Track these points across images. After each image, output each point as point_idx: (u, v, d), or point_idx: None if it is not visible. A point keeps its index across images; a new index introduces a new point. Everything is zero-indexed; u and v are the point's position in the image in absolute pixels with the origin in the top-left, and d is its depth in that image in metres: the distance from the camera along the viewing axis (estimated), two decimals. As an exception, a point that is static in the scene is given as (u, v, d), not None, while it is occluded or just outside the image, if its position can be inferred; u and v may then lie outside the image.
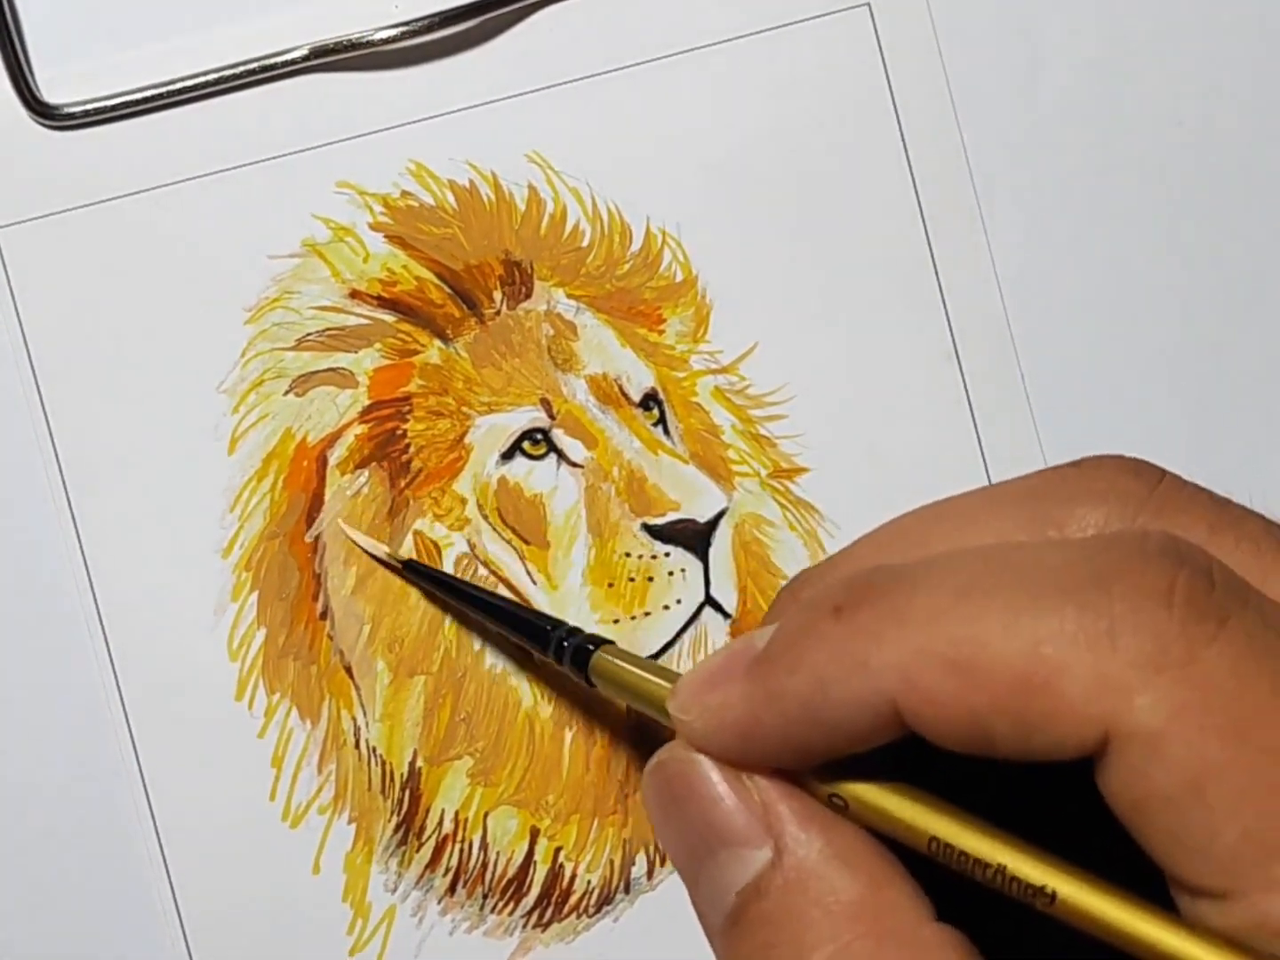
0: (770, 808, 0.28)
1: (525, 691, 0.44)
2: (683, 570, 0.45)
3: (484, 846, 0.44)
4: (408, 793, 0.44)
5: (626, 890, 0.45)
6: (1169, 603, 0.24)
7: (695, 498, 0.45)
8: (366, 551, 0.44)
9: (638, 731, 0.44)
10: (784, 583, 0.35)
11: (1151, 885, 0.25)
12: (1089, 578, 0.25)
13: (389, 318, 0.45)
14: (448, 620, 0.44)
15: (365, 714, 0.44)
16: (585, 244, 0.45)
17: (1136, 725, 0.24)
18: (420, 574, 0.44)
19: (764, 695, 0.27)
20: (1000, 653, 0.25)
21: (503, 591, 0.44)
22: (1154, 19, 0.46)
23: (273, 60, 0.44)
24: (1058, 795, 0.27)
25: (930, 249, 0.45)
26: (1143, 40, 0.46)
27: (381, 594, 0.44)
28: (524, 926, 0.44)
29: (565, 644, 0.37)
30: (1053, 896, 0.25)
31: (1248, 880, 0.23)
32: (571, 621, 0.44)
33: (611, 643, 0.35)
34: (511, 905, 0.44)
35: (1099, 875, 0.25)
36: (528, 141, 0.45)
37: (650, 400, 0.45)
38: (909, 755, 0.27)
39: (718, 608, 0.45)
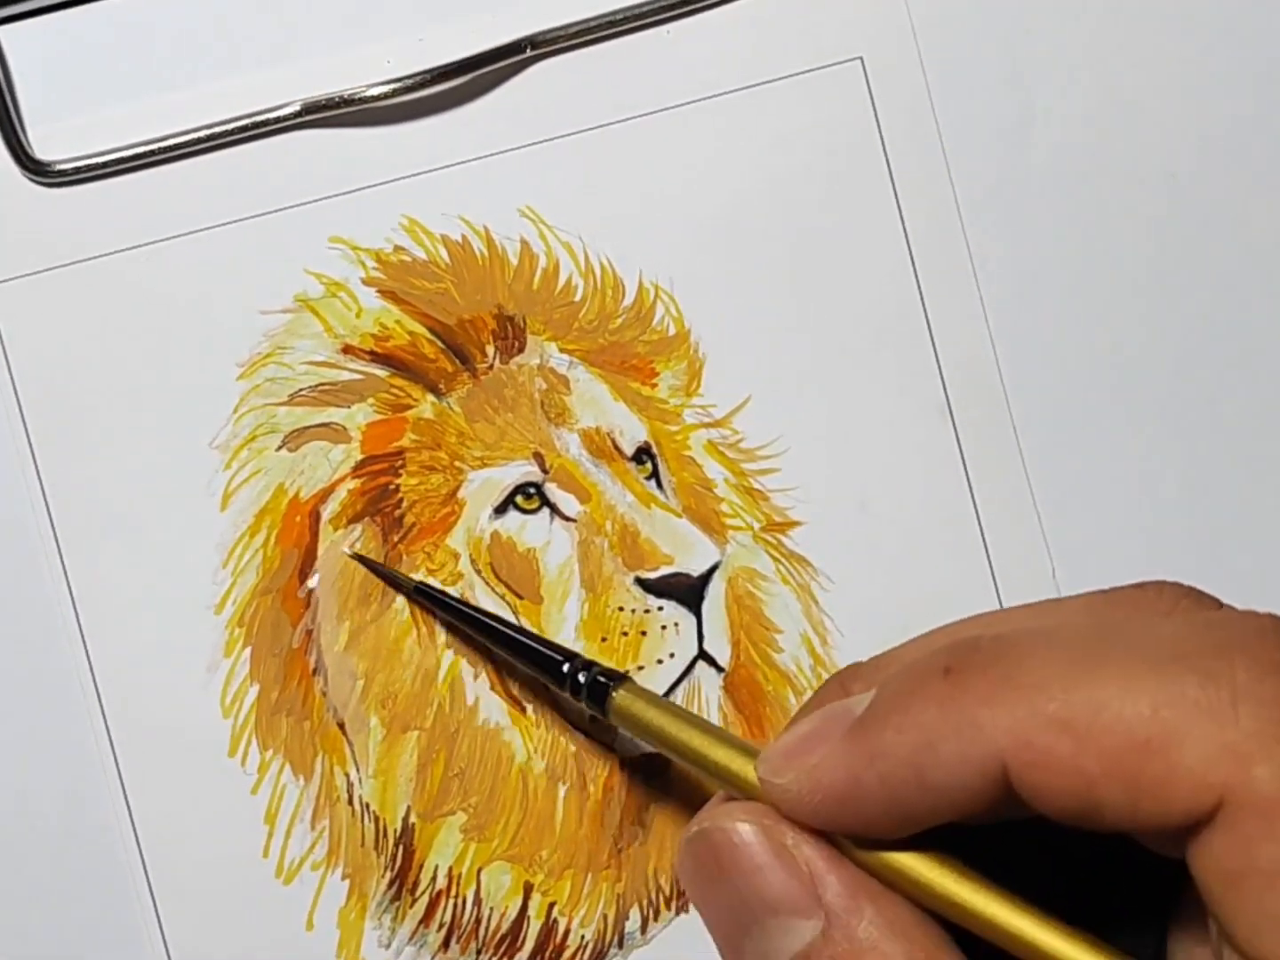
0: (819, 877, 0.27)
1: (518, 747, 0.44)
2: (676, 624, 0.45)
3: (478, 902, 0.44)
4: (401, 848, 0.44)
5: (620, 945, 0.45)
6: None
7: (688, 552, 0.45)
8: (377, 572, 0.44)
9: (631, 787, 0.44)
10: (829, 675, 0.35)
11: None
12: (1210, 648, 0.25)
13: (382, 372, 0.45)
14: (441, 676, 0.44)
15: (358, 770, 0.44)
16: (578, 298, 0.45)
17: (1254, 795, 0.23)
18: (430, 599, 0.43)
19: (867, 756, 0.27)
20: (1118, 716, 0.24)
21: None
22: (1146, 72, 0.46)
23: (265, 116, 0.44)
24: (1083, 876, 0.27)
25: (923, 303, 0.46)
26: (1135, 93, 0.46)
27: (374, 650, 0.44)
28: (518, 983, 0.44)
29: (581, 678, 0.37)
30: None
31: None
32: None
33: (629, 677, 0.35)
34: (505, 961, 0.44)
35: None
36: (520, 196, 0.45)
37: (643, 454, 0.45)
38: (946, 831, 0.27)
39: (711, 662, 0.45)
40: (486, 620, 0.42)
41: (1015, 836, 0.27)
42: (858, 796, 0.27)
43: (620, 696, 0.35)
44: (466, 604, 0.43)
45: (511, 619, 0.44)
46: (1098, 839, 0.26)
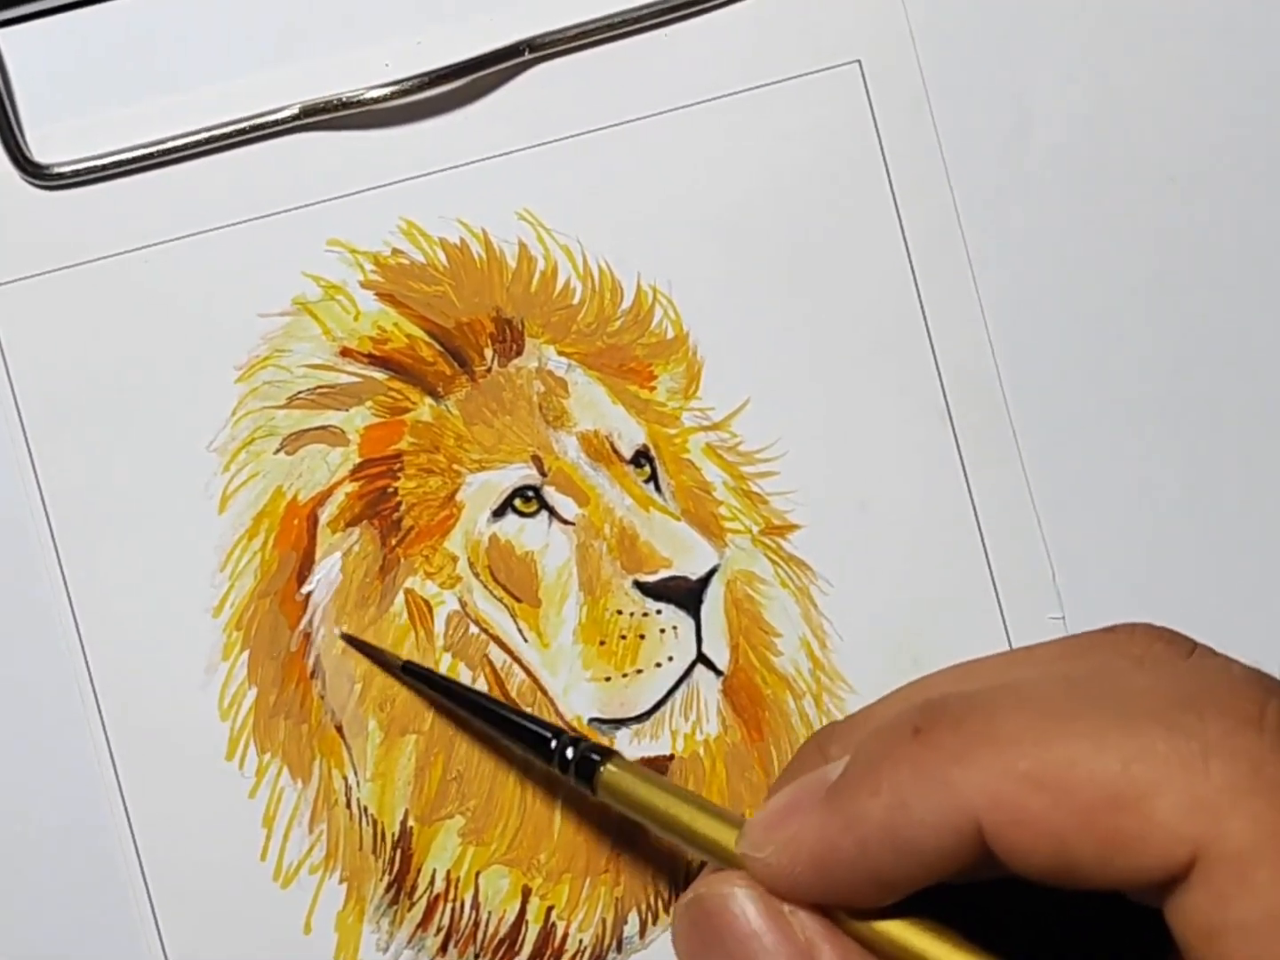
0: (814, 946, 0.27)
1: (517, 751, 0.44)
2: (674, 628, 0.44)
3: (476, 906, 0.44)
4: (399, 852, 0.44)
5: (619, 949, 0.45)
6: (1260, 728, 0.24)
7: (687, 555, 0.45)
8: (366, 654, 0.43)
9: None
10: (804, 741, 0.35)
11: None
12: (1179, 701, 0.25)
13: (380, 375, 0.45)
14: (439, 679, 0.44)
15: (356, 773, 0.44)
16: (576, 301, 0.45)
17: (1227, 849, 0.23)
18: (417, 676, 0.43)
19: (842, 821, 0.27)
20: (1090, 771, 0.24)
21: (494, 651, 0.44)
22: (1144, 75, 0.46)
23: (264, 119, 0.44)
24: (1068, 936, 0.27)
25: (921, 305, 0.45)
26: (1133, 96, 0.46)
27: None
28: (516, 986, 0.44)
29: (569, 754, 0.36)
30: None
31: None
32: (563, 683, 0.44)
33: (617, 753, 0.34)
34: (503, 965, 0.44)
35: None
36: (518, 199, 0.45)
37: (642, 457, 0.45)
38: (938, 897, 0.27)
39: (710, 665, 0.45)
40: (474, 697, 0.42)
41: (1002, 893, 0.27)
42: (836, 864, 0.27)
43: (608, 772, 0.34)
44: (454, 682, 0.43)
45: (510, 623, 0.44)
46: (1083, 894, 0.26)
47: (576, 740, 0.36)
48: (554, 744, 0.37)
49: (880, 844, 0.26)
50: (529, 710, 0.44)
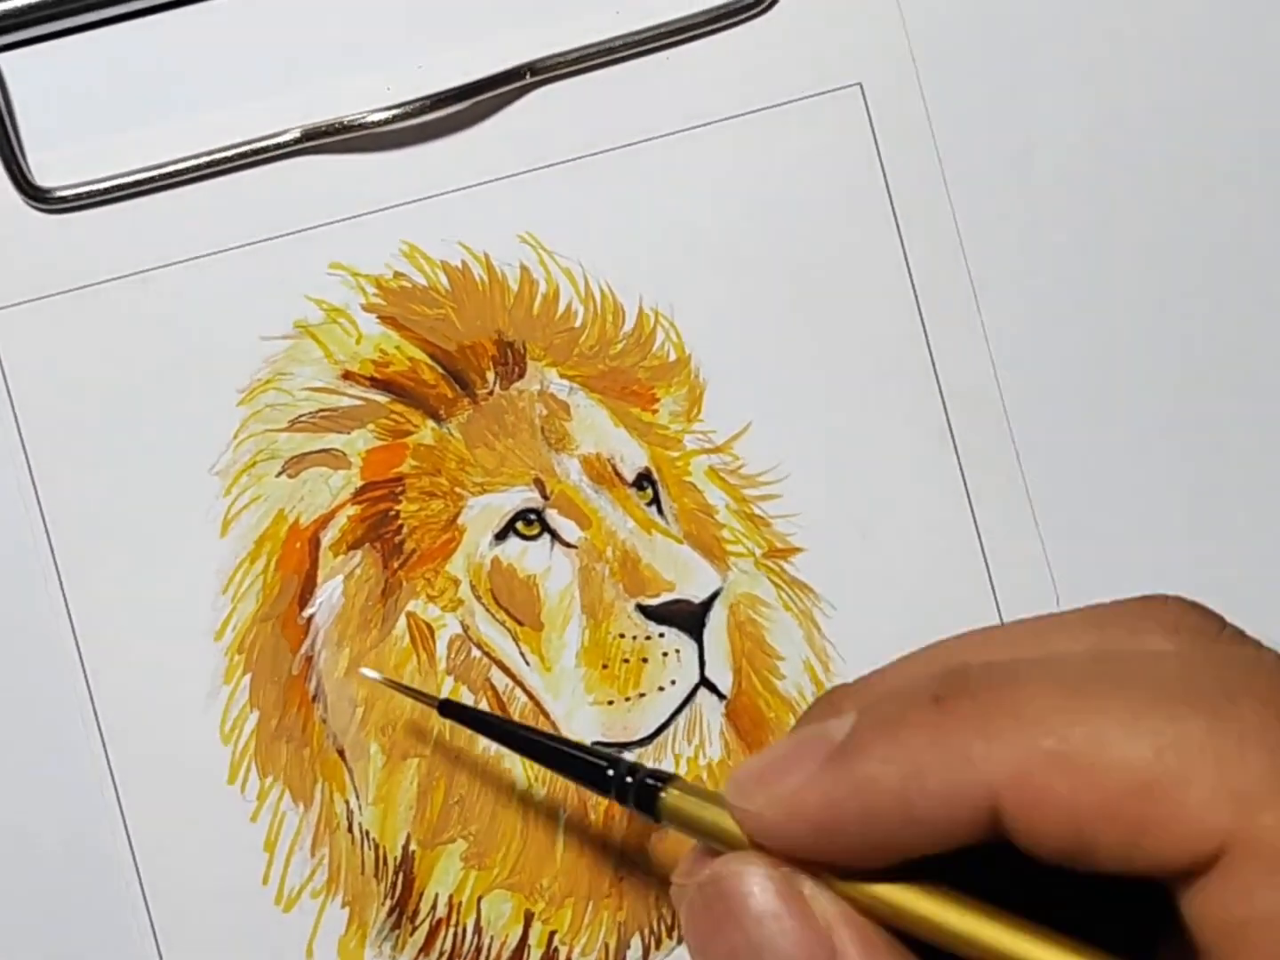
0: (834, 930, 0.26)
1: (519, 774, 0.44)
2: (677, 651, 0.44)
3: (478, 930, 0.44)
4: (401, 876, 0.44)
5: (622, 973, 0.44)
6: None
7: (690, 578, 0.45)
8: (403, 692, 0.42)
9: (633, 814, 0.44)
10: (819, 694, 0.33)
11: None
12: (1216, 687, 0.24)
13: (382, 398, 0.45)
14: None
15: (358, 797, 0.44)
16: (578, 324, 0.45)
17: (1258, 842, 0.23)
18: (456, 715, 0.40)
19: (849, 785, 0.25)
20: (1121, 756, 0.24)
21: (496, 674, 0.44)
22: (1146, 97, 0.46)
23: (265, 142, 0.44)
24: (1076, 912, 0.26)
25: (924, 328, 0.45)
26: (1135, 118, 0.46)
27: (374, 676, 0.44)
28: (518, 1012, 0.44)
29: (629, 782, 0.34)
30: None
31: None
32: (565, 707, 0.44)
33: (678, 777, 0.34)
34: (506, 990, 0.44)
35: None
36: (520, 222, 0.45)
37: (644, 480, 0.45)
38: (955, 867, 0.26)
39: (713, 689, 0.45)
40: (520, 732, 0.39)
41: (988, 861, 0.27)
42: (837, 827, 0.26)
43: (670, 796, 0.33)
44: (497, 717, 0.42)
45: (512, 646, 0.44)
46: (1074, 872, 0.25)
47: (635, 768, 0.35)
48: (611, 774, 0.35)
49: (889, 812, 0.25)
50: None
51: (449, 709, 0.40)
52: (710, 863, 0.28)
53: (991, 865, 0.26)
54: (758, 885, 0.27)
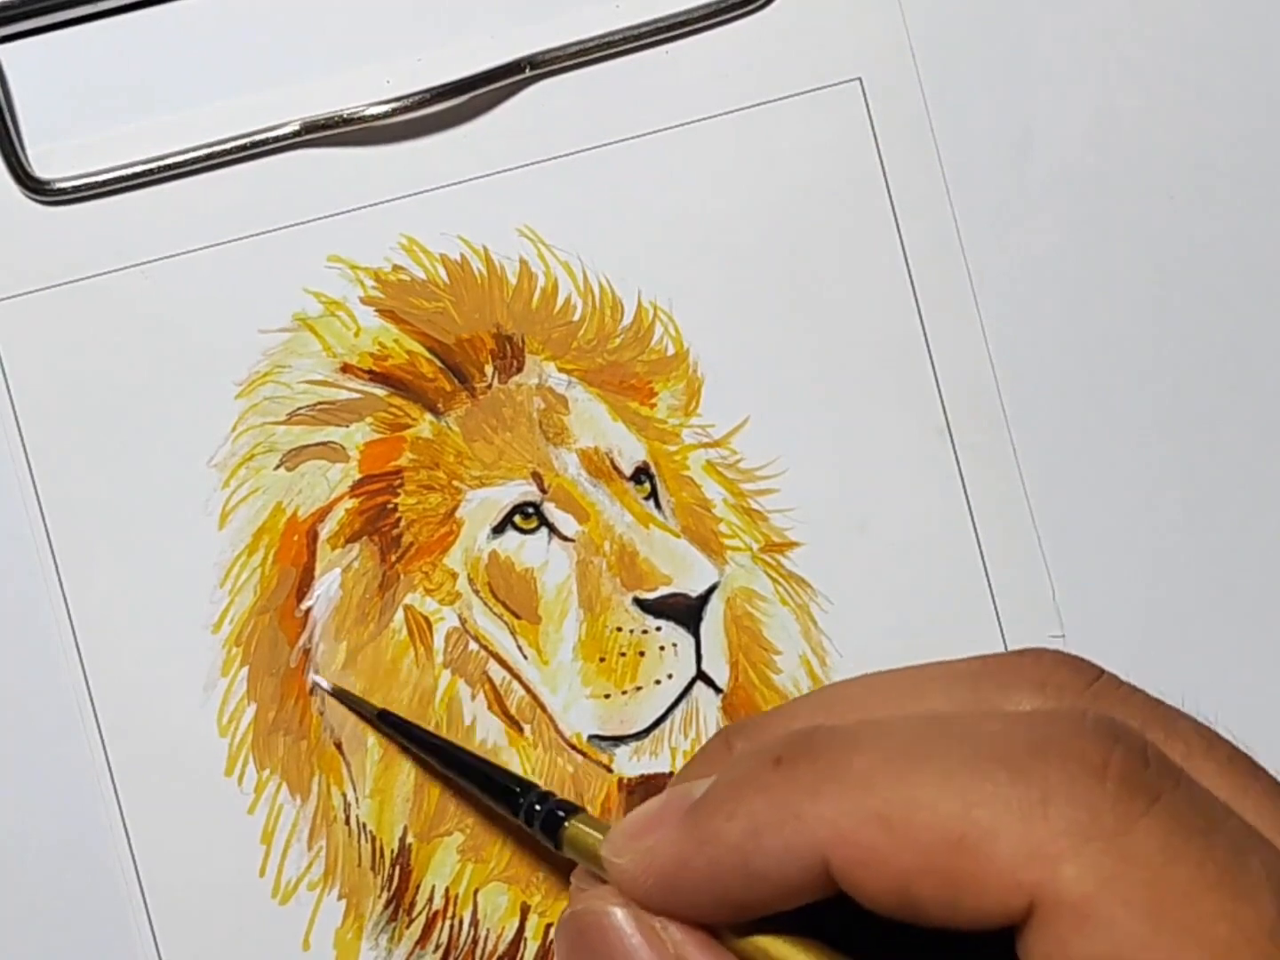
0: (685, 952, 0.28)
1: (516, 767, 0.44)
2: (674, 645, 0.44)
3: (474, 923, 0.44)
4: (398, 869, 0.44)
5: (618, 966, 0.44)
6: (1103, 776, 0.24)
7: (687, 572, 0.45)
8: (342, 701, 0.44)
9: (628, 808, 0.44)
10: (715, 733, 0.35)
11: None
12: (1025, 747, 0.25)
13: (380, 392, 0.45)
14: (438, 695, 0.44)
15: (355, 790, 0.44)
16: (577, 318, 0.45)
17: (1063, 894, 0.24)
18: (393, 726, 0.43)
19: (696, 840, 0.27)
20: (932, 813, 0.25)
21: (494, 668, 0.44)
22: (1145, 92, 0.46)
23: (264, 135, 0.44)
24: None
25: (922, 323, 0.45)
26: (1133, 114, 0.46)
27: (372, 669, 0.44)
28: (514, 1004, 0.44)
29: (537, 809, 0.36)
30: None
31: None
32: (562, 700, 0.44)
33: (583, 810, 0.35)
34: (502, 983, 0.44)
35: None
36: (519, 216, 0.45)
37: (642, 474, 0.45)
38: (834, 920, 0.27)
39: (709, 683, 0.45)
40: (446, 747, 0.43)
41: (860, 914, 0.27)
42: (686, 880, 0.27)
43: (571, 828, 0.35)
44: (427, 732, 0.43)
45: (510, 639, 0.44)
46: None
47: (545, 796, 0.37)
48: (521, 800, 0.37)
49: (731, 867, 0.27)
50: (500, 750, 0.44)
51: (387, 719, 0.43)
52: (571, 899, 0.31)
53: (863, 918, 0.27)
54: (613, 921, 0.29)
